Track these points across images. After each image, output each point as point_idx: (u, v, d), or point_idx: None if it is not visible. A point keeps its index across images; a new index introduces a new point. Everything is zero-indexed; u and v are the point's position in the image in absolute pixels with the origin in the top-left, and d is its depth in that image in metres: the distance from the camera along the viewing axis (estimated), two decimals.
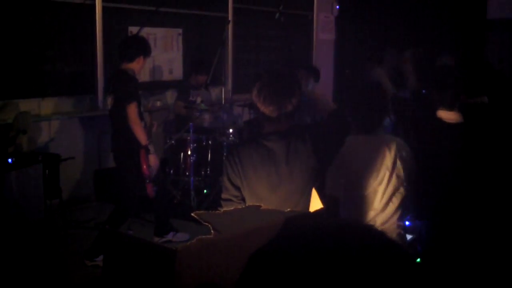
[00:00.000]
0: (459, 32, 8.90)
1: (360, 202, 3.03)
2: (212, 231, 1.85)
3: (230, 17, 8.10)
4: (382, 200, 2.99)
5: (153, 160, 4.84)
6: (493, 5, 8.63)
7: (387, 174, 2.95)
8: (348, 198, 3.05)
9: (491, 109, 3.92)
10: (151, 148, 4.81)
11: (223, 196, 2.70)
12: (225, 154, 6.01)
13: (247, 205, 2.56)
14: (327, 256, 0.91)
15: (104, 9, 6.54)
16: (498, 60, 8.86)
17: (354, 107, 3.19)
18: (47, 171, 5.50)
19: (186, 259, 1.56)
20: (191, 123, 6.13)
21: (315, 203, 2.60)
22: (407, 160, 3.00)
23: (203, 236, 1.60)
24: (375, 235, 0.98)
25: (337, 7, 10.05)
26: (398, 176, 2.96)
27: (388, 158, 2.95)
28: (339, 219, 2.50)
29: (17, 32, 5.86)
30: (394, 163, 2.95)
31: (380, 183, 2.97)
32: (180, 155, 6.42)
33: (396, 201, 2.98)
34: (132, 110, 4.67)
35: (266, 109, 2.64)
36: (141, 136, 4.73)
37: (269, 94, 2.61)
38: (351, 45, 10.01)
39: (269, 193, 2.60)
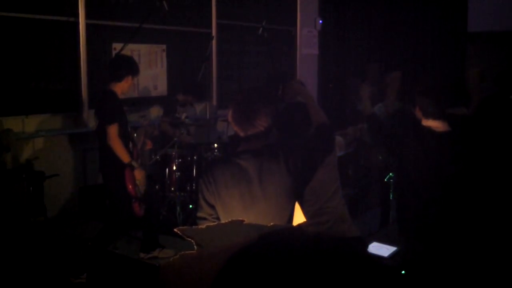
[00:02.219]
0: (441, 45, 9.01)
1: None
2: (195, 246, 1.87)
3: (213, 33, 8.15)
4: None
5: (139, 174, 4.84)
6: (473, 19, 8.75)
7: None
8: None
9: (474, 119, 3.97)
10: (135, 164, 4.81)
11: (198, 214, 2.69)
12: None
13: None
14: (305, 266, 0.94)
15: (87, 26, 6.56)
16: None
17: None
18: (31, 188, 5.48)
19: (169, 275, 1.57)
20: (176, 139, 6.14)
21: (298, 217, 2.62)
22: None
23: (186, 252, 1.61)
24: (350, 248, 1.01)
25: (320, 22, 10.13)
26: None
27: None
28: (319, 232, 2.53)
29: (0, 50, 5.85)
30: None
31: None
32: (165, 171, 6.41)
33: None
34: (112, 130, 4.70)
35: (235, 128, 2.70)
36: (122, 154, 4.75)
37: (235, 114, 2.66)
38: (334, 60, 10.09)
39: (243, 212, 2.57)
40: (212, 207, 2.64)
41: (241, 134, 2.67)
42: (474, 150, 3.44)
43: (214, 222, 2.59)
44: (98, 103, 5.01)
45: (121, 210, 4.91)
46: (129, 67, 4.93)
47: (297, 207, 2.66)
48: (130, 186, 4.79)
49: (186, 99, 6.84)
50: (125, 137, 4.87)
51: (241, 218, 2.37)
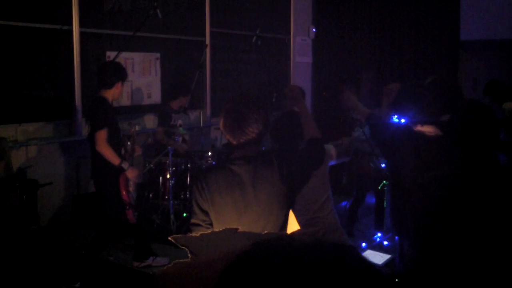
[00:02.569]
0: (434, 53, 9.06)
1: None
2: (189, 254, 1.86)
3: (207, 41, 8.16)
4: None
5: (131, 173, 4.87)
6: (466, 27, 8.81)
7: None
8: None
9: (462, 125, 3.96)
10: (125, 165, 4.83)
11: (192, 221, 2.70)
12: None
13: (214, 229, 2.55)
14: (301, 274, 0.94)
15: (81, 34, 6.56)
16: (472, 80, 9.03)
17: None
18: (24, 197, 5.46)
19: (163, 284, 1.57)
20: (170, 147, 6.14)
21: (292, 225, 2.62)
22: None
23: (180, 260, 1.61)
24: (348, 253, 1.01)
25: (314, 30, 10.17)
26: None
27: None
28: (314, 240, 2.51)
29: None
30: None
31: None
32: (159, 179, 6.41)
33: None
34: (99, 136, 4.72)
35: (227, 136, 2.70)
36: (112, 158, 4.78)
37: (226, 123, 2.66)
38: (328, 68, 10.12)
39: (236, 217, 2.59)
40: (206, 213, 2.64)
41: (234, 142, 2.67)
42: (458, 153, 3.45)
43: (208, 228, 2.60)
44: (89, 110, 5.04)
45: (113, 217, 4.91)
46: (118, 73, 4.97)
47: (291, 216, 2.66)
48: (123, 193, 4.79)
49: (179, 103, 6.84)
50: (117, 144, 4.88)
51: (234, 224, 2.38)
